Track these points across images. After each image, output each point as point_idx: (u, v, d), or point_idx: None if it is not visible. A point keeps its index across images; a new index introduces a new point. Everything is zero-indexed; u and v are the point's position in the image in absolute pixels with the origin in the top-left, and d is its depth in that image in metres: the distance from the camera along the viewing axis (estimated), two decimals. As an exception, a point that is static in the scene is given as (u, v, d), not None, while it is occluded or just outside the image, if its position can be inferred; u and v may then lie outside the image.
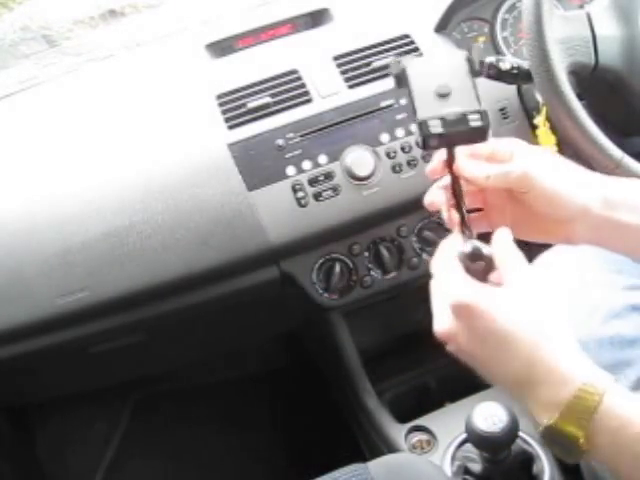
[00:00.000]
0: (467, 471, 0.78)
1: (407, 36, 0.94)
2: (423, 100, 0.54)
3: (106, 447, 1.32)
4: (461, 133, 0.53)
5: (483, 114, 0.53)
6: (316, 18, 1.04)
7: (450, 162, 0.55)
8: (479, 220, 0.59)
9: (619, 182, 0.58)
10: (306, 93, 0.90)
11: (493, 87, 0.89)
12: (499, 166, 0.55)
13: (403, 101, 0.90)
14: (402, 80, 0.55)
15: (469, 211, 0.56)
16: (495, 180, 0.55)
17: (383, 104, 0.90)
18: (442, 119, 0.52)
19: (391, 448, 0.88)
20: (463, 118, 0.53)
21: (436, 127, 0.52)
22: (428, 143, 0.53)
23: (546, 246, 0.90)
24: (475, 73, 0.57)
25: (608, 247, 0.60)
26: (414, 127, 0.89)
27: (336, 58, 0.92)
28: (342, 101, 0.89)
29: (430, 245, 0.92)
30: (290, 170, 0.87)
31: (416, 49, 0.93)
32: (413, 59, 0.57)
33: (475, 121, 0.53)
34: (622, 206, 0.55)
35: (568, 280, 0.80)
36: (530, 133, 0.92)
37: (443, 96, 0.54)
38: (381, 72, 0.91)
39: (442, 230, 0.93)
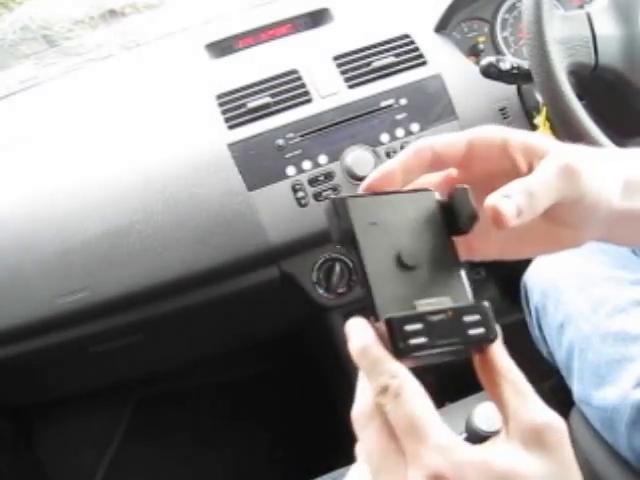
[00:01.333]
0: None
1: (407, 36, 0.94)
2: (379, 273, 0.34)
3: (106, 447, 1.32)
4: (451, 347, 0.33)
5: (484, 311, 0.33)
6: (316, 18, 1.04)
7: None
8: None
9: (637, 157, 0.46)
10: (306, 93, 0.90)
11: (493, 87, 0.89)
12: (541, 176, 0.37)
13: (403, 101, 0.90)
14: (343, 230, 0.35)
15: None
16: (544, 201, 0.37)
17: (383, 104, 0.90)
18: (424, 320, 0.32)
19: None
20: (456, 320, 0.33)
21: (417, 336, 0.32)
22: (402, 355, 0.32)
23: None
24: (457, 229, 0.36)
25: (619, 241, 0.48)
26: (414, 127, 0.91)
27: (336, 58, 0.92)
28: (342, 101, 0.89)
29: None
30: (290, 170, 0.87)
31: (416, 49, 0.93)
32: (356, 194, 0.37)
33: (475, 327, 0.33)
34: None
35: (573, 275, 0.80)
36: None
37: (407, 268, 0.34)
38: (381, 72, 0.91)
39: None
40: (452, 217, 0.36)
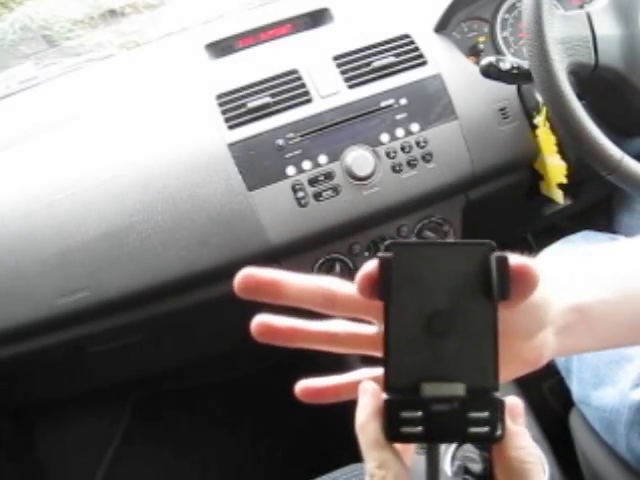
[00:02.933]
0: (467, 471, 0.77)
1: (407, 36, 0.94)
2: (404, 337, 0.32)
3: (106, 447, 1.32)
4: (449, 439, 0.32)
5: (494, 408, 0.31)
6: (316, 18, 1.04)
7: (432, 463, 0.32)
8: None
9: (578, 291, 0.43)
10: (306, 93, 0.90)
11: (493, 87, 0.89)
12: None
13: (403, 101, 0.90)
14: (384, 285, 0.32)
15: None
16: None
17: (383, 104, 0.89)
18: (425, 408, 0.30)
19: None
20: (460, 414, 0.31)
21: (412, 425, 0.30)
22: (392, 439, 0.31)
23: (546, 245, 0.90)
24: (500, 293, 0.32)
25: (579, 350, 0.47)
26: (414, 127, 0.91)
27: (336, 58, 0.92)
28: (342, 101, 0.89)
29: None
30: (290, 170, 0.87)
31: (416, 49, 0.93)
32: (408, 241, 0.34)
33: (479, 425, 0.31)
34: (578, 331, 0.43)
35: None
36: (530, 133, 0.92)
37: (435, 334, 0.32)
38: (381, 72, 0.91)
39: (442, 230, 0.93)
40: (500, 282, 0.32)
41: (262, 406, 1.34)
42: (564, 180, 0.90)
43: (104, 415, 1.35)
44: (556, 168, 0.90)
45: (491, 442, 0.31)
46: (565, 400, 0.80)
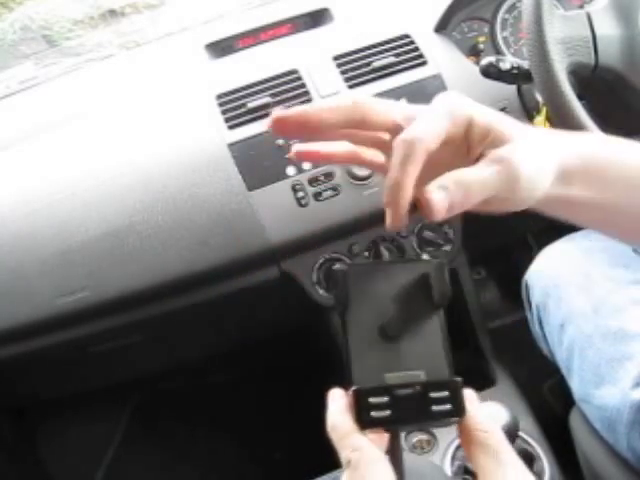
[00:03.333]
0: (467, 471, 0.78)
1: (407, 36, 0.94)
2: (362, 341, 0.35)
3: (106, 447, 1.32)
4: (415, 421, 0.35)
5: (453, 387, 0.35)
6: (316, 18, 1.04)
7: (395, 450, 0.35)
8: None
9: (582, 142, 0.46)
10: (306, 93, 0.90)
11: (493, 87, 0.89)
12: (480, 173, 0.38)
13: (403, 101, 0.90)
14: (341, 295, 0.36)
15: None
16: (476, 196, 0.38)
17: (383, 104, 0.89)
18: (390, 393, 0.34)
19: (391, 448, 0.88)
20: (423, 395, 0.34)
21: (381, 410, 0.33)
22: (364, 426, 0.34)
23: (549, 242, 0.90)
24: (439, 300, 0.37)
25: (558, 218, 0.49)
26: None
27: (336, 58, 0.92)
28: (342, 101, 0.89)
29: (430, 245, 0.92)
30: (290, 170, 0.87)
31: (416, 49, 0.93)
32: (360, 262, 0.40)
33: (441, 404, 0.34)
34: (578, 179, 0.44)
35: (574, 274, 0.80)
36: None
37: (389, 338, 0.36)
38: (381, 72, 0.91)
39: (442, 230, 0.93)
40: (439, 290, 0.37)
41: (262, 406, 1.34)
42: (564, 180, 0.90)
43: (104, 416, 1.35)
44: (556, 168, 0.90)
45: (454, 417, 0.34)
46: (565, 400, 0.80)
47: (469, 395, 0.36)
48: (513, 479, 0.32)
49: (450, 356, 0.36)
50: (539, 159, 0.41)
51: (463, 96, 0.41)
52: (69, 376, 1.13)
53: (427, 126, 0.38)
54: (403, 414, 0.34)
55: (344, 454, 0.34)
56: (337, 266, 0.38)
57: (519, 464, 0.33)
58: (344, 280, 0.36)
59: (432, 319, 0.36)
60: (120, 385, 1.26)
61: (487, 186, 0.38)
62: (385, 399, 0.33)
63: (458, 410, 0.34)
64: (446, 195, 0.36)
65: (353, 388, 0.34)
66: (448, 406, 0.34)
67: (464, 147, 0.41)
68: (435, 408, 0.34)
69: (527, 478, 0.33)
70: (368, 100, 0.41)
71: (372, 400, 0.33)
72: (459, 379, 0.35)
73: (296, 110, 0.40)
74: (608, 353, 0.70)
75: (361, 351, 0.35)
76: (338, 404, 0.35)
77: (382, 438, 0.36)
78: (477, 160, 0.40)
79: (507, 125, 0.42)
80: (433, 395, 0.34)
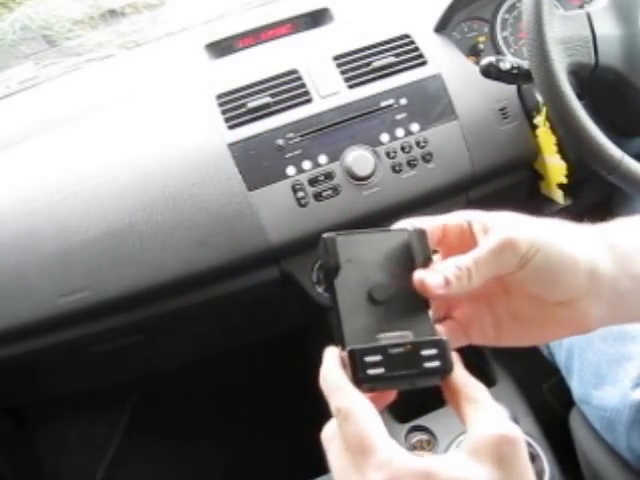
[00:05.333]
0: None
1: (407, 36, 0.94)
2: (351, 306, 0.37)
3: (106, 447, 1.32)
4: (408, 377, 0.36)
5: (441, 345, 0.37)
6: (316, 18, 1.04)
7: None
8: (453, 333, 0.43)
9: (619, 224, 0.45)
10: (306, 93, 0.90)
11: (493, 87, 0.89)
12: (476, 251, 0.40)
13: (403, 101, 0.90)
14: (330, 263, 0.38)
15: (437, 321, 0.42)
16: (478, 273, 0.39)
17: (383, 104, 0.89)
18: (383, 352, 0.35)
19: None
20: (414, 353, 0.36)
21: (376, 367, 0.35)
22: (360, 383, 0.35)
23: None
24: (424, 264, 0.40)
25: (635, 319, 0.44)
26: (414, 127, 0.91)
27: (336, 58, 0.92)
28: (342, 101, 0.89)
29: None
30: (290, 170, 0.87)
31: (416, 49, 0.93)
32: (345, 232, 0.40)
33: (431, 360, 0.36)
34: (637, 253, 0.42)
35: None
36: (530, 133, 0.92)
37: (377, 303, 0.38)
38: (381, 72, 0.91)
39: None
40: (422, 254, 0.40)
41: (262, 406, 1.35)
42: (564, 180, 0.90)
43: (104, 415, 1.35)
44: (556, 168, 0.90)
45: (444, 374, 0.36)
46: (565, 400, 0.80)
47: (454, 355, 0.38)
48: (501, 426, 0.33)
49: (432, 318, 0.39)
50: (568, 234, 0.42)
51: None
52: (69, 376, 1.13)
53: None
54: (397, 371, 0.35)
55: (334, 403, 0.35)
56: (326, 234, 0.39)
57: (499, 410, 0.35)
58: (333, 247, 0.39)
59: (411, 282, 0.39)
60: (120, 385, 1.26)
61: (484, 261, 0.40)
62: (379, 357, 0.35)
63: (447, 366, 0.36)
64: (438, 274, 0.39)
65: (349, 348, 0.36)
66: (438, 362, 0.36)
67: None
68: (426, 365, 0.36)
69: (505, 426, 0.34)
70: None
71: (367, 359, 0.35)
72: (445, 338, 0.37)
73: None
74: (608, 354, 0.70)
75: (351, 315, 0.37)
76: (332, 359, 0.37)
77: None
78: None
79: (503, 216, 0.43)
80: (424, 353, 0.36)
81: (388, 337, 0.37)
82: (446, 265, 0.40)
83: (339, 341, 0.37)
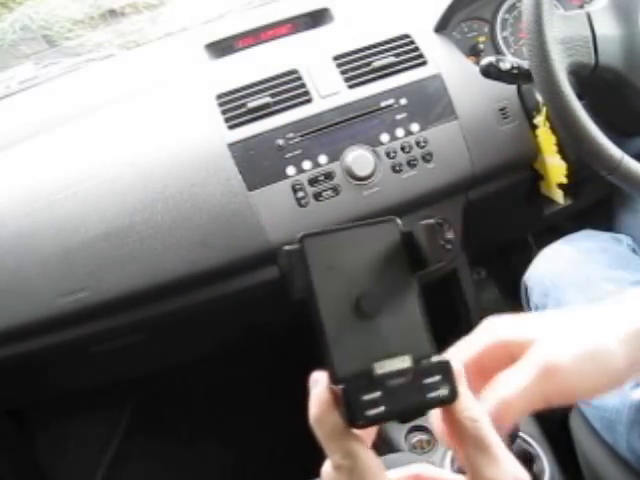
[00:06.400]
0: (467, 471, 0.77)
1: (407, 36, 0.94)
2: (338, 326, 0.31)
3: (106, 447, 1.32)
4: (410, 411, 0.31)
5: (445, 370, 0.32)
6: (316, 18, 1.04)
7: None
8: None
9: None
10: (306, 93, 0.90)
11: (493, 87, 0.89)
12: (517, 381, 0.37)
13: (403, 101, 0.90)
14: (300, 284, 0.32)
15: None
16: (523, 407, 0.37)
17: (383, 104, 0.89)
18: (382, 386, 0.30)
19: (391, 448, 0.88)
20: (416, 383, 0.31)
21: (375, 406, 0.30)
22: (359, 426, 0.31)
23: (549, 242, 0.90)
24: (420, 264, 0.33)
25: None
26: (414, 127, 0.91)
27: (336, 58, 0.92)
28: (342, 101, 0.89)
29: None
30: (290, 170, 0.87)
31: (416, 49, 0.93)
32: (313, 231, 0.32)
33: (436, 389, 0.31)
34: None
35: (573, 275, 0.80)
36: (530, 133, 0.92)
37: (367, 316, 0.32)
38: (381, 72, 0.91)
39: (442, 230, 0.93)
40: (415, 252, 0.33)
41: (262, 406, 1.34)
42: (564, 180, 0.90)
43: (104, 415, 1.35)
44: (556, 168, 0.90)
45: (448, 403, 0.32)
46: (565, 400, 0.80)
47: (457, 372, 0.33)
48: (505, 474, 0.31)
49: (429, 327, 0.33)
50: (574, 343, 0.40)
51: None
52: (69, 376, 1.13)
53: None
54: (398, 406, 0.31)
55: (334, 459, 0.31)
56: (286, 247, 0.32)
57: (510, 457, 0.32)
58: (301, 260, 0.32)
59: (407, 287, 0.33)
60: (120, 385, 1.26)
61: (529, 394, 0.37)
62: (378, 394, 0.30)
63: (451, 393, 0.32)
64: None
65: (340, 387, 0.30)
66: (443, 391, 0.31)
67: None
68: (430, 395, 0.31)
69: (519, 472, 0.32)
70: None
71: (365, 397, 0.30)
72: (449, 360, 0.32)
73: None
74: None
75: (339, 335, 0.31)
76: (322, 395, 0.32)
77: (370, 435, 0.35)
78: None
79: (532, 323, 0.42)
80: (427, 381, 0.31)
81: (385, 365, 0.31)
82: (490, 401, 0.37)
83: (328, 368, 0.31)
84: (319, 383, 0.32)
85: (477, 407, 0.33)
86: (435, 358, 0.32)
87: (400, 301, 0.33)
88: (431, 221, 0.34)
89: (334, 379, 0.31)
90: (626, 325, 0.41)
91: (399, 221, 0.34)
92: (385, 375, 0.31)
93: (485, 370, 0.40)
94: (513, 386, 0.37)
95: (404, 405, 0.31)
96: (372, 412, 0.30)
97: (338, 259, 0.32)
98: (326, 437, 0.31)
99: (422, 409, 0.31)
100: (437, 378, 0.31)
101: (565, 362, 0.38)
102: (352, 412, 0.30)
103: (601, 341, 0.40)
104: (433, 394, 0.31)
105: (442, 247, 0.30)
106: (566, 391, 0.39)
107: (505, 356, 0.40)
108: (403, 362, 0.31)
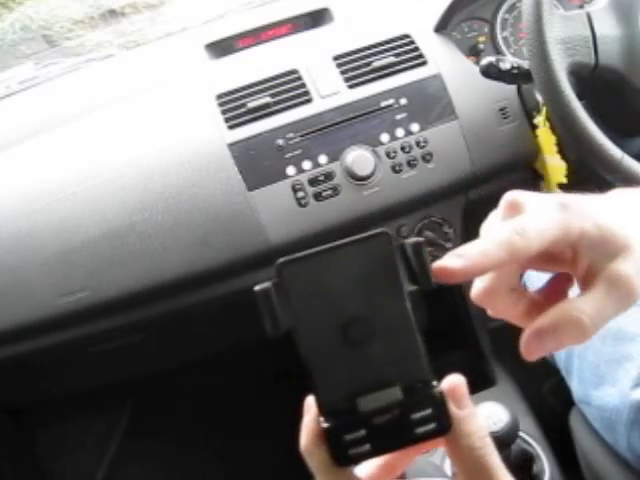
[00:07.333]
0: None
1: (407, 36, 0.94)
2: (324, 357, 0.30)
3: (106, 447, 1.32)
4: (398, 447, 0.30)
5: (436, 404, 0.30)
6: (316, 18, 1.04)
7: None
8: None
9: None
10: (306, 93, 0.90)
11: (493, 87, 0.89)
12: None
13: (403, 101, 0.90)
14: (277, 309, 0.30)
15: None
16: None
17: (383, 104, 0.90)
18: (366, 424, 0.29)
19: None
20: (404, 419, 0.29)
21: (359, 445, 0.29)
22: (341, 464, 0.30)
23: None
24: (415, 281, 0.31)
25: None
26: (414, 127, 0.91)
27: (336, 58, 0.92)
28: (342, 101, 0.89)
29: (430, 245, 0.92)
30: (290, 170, 0.87)
31: (416, 49, 0.93)
32: (296, 263, 0.30)
33: (425, 424, 0.29)
34: None
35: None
36: (530, 133, 0.92)
37: (355, 344, 0.30)
38: (381, 72, 0.91)
39: (442, 230, 0.93)
40: (408, 269, 0.31)
41: (262, 406, 1.34)
42: (564, 180, 0.90)
43: (104, 415, 1.35)
44: (556, 168, 0.90)
45: (441, 435, 0.30)
46: (565, 400, 0.80)
47: (457, 392, 0.31)
48: None
49: (425, 350, 0.30)
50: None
51: (580, 200, 0.36)
52: (69, 376, 1.13)
53: (537, 227, 0.33)
54: (383, 444, 0.29)
55: None
56: (260, 286, 0.30)
57: None
58: (282, 292, 0.30)
59: (400, 308, 0.30)
60: (120, 385, 1.26)
61: (606, 316, 0.33)
62: (362, 432, 0.29)
63: (444, 425, 0.29)
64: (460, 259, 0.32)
65: (324, 426, 0.29)
66: (432, 425, 0.29)
67: (569, 253, 0.35)
68: (419, 430, 0.29)
69: None
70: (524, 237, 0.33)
71: (348, 437, 0.29)
72: (442, 391, 0.30)
73: (461, 266, 0.32)
74: (607, 354, 0.70)
75: (325, 369, 0.29)
76: (312, 428, 0.31)
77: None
78: (584, 273, 0.35)
79: (625, 232, 0.35)
80: (415, 416, 0.29)
81: (372, 400, 0.29)
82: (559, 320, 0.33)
83: (316, 400, 0.30)
84: (310, 411, 0.31)
85: (479, 430, 0.30)
86: (431, 386, 0.30)
87: (393, 324, 0.30)
88: (420, 239, 0.32)
89: (320, 413, 0.30)
90: None
91: (388, 231, 0.31)
92: (370, 412, 0.29)
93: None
94: (589, 304, 0.33)
95: (390, 442, 0.29)
96: (356, 451, 0.29)
97: (323, 284, 0.30)
98: (317, 470, 0.31)
99: (410, 443, 0.30)
100: (428, 412, 0.29)
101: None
102: (335, 452, 0.29)
103: None
104: (422, 429, 0.29)
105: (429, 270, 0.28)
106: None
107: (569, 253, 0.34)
108: (391, 395, 0.29)
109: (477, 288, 0.37)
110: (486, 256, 0.32)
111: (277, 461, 1.29)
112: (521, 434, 0.75)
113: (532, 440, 0.80)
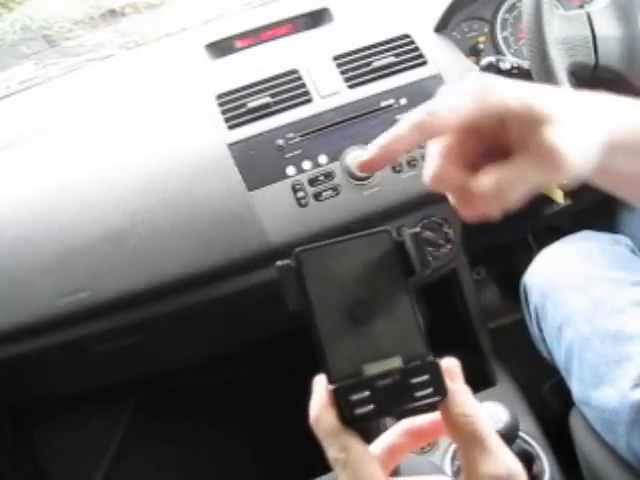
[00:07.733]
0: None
1: (407, 36, 0.94)
2: (333, 332, 0.34)
3: (106, 447, 1.32)
4: (400, 409, 0.33)
5: (433, 370, 0.34)
6: (316, 18, 1.04)
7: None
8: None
9: (630, 111, 0.45)
10: (306, 93, 0.90)
11: (493, 87, 0.89)
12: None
13: (403, 101, 0.90)
14: (293, 287, 0.35)
15: None
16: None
17: (383, 104, 0.90)
18: (370, 386, 0.33)
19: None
20: (404, 383, 0.33)
21: (364, 405, 0.32)
22: (348, 423, 0.33)
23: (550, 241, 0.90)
24: (412, 271, 0.35)
25: (603, 189, 0.47)
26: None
27: (336, 58, 0.92)
28: (342, 101, 0.89)
29: (430, 245, 0.92)
30: (290, 170, 0.87)
31: (416, 49, 0.93)
32: (309, 246, 0.35)
33: (423, 388, 0.33)
34: (623, 151, 0.41)
35: (572, 276, 0.80)
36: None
37: (360, 323, 0.34)
38: (381, 72, 0.91)
39: (442, 230, 0.93)
40: (407, 260, 0.35)
41: (262, 406, 1.34)
42: (565, 181, 0.90)
43: (104, 415, 1.35)
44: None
45: (437, 402, 0.33)
46: (565, 400, 0.80)
47: (452, 370, 0.35)
48: (499, 467, 0.32)
49: (423, 330, 0.35)
50: (586, 137, 0.37)
51: (498, 78, 0.38)
52: (69, 376, 1.13)
53: (448, 104, 0.36)
54: (386, 405, 0.33)
55: (331, 453, 0.33)
56: (280, 262, 0.35)
57: (505, 451, 0.33)
58: (298, 274, 0.34)
59: (401, 293, 0.35)
60: (120, 385, 1.26)
61: (530, 183, 0.35)
62: (366, 393, 0.33)
63: (440, 391, 0.33)
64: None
65: (331, 387, 0.33)
66: (430, 389, 0.33)
67: (503, 135, 0.37)
68: (418, 393, 0.33)
69: (514, 465, 0.32)
70: (434, 116, 0.36)
71: (353, 397, 0.33)
72: (437, 360, 0.34)
73: (375, 153, 0.37)
74: (607, 354, 0.70)
75: (334, 342, 0.34)
76: (320, 396, 0.34)
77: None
78: (517, 147, 0.36)
79: (549, 102, 0.36)
80: (414, 381, 0.33)
81: (375, 367, 0.33)
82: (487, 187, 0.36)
83: (324, 371, 0.34)
84: (319, 385, 0.34)
85: (471, 402, 0.34)
86: (427, 359, 0.34)
87: (393, 306, 0.35)
88: (417, 229, 0.36)
89: (329, 380, 0.34)
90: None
91: (390, 229, 0.36)
92: (374, 376, 0.33)
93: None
94: (514, 170, 0.35)
95: (391, 402, 0.33)
96: (361, 410, 0.33)
97: (333, 270, 0.35)
98: (324, 435, 0.33)
99: (411, 407, 0.33)
100: (425, 377, 0.33)
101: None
102: (342, 410, 0.33)
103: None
104: (421, 392, 0.33)
105: (428, 255, 0.31)
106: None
107: (495, 131, 0.37)
108: (392, 363, 0.34)
109: (425, 175, 0.40)
110: (398, 139, 0.36)
111: (277, 460, 1.29)
112: (521, 434, 0.75)
113: (532, 440, 0.80)
